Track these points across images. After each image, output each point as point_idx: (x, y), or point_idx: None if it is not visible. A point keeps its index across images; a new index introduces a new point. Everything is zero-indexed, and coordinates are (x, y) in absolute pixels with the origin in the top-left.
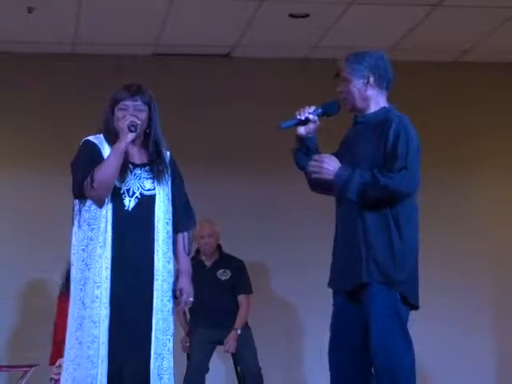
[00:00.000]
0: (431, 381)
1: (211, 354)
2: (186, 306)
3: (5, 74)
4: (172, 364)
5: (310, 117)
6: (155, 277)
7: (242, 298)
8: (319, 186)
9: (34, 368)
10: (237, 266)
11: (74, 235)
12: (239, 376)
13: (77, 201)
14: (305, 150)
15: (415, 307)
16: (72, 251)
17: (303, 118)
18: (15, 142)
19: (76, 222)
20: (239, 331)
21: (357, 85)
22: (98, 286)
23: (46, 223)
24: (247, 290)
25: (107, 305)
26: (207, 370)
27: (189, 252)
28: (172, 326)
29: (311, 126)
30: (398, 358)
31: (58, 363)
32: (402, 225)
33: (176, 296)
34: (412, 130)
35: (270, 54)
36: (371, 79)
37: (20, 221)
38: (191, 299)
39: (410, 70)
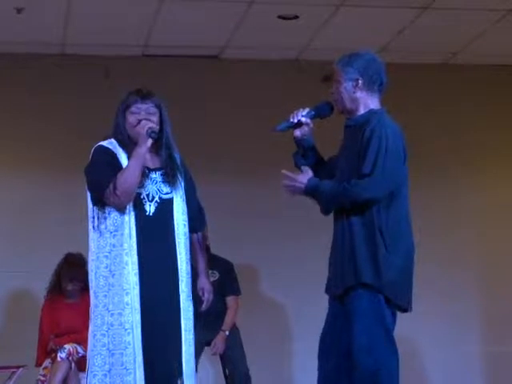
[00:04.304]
0: (421, 382)
1: (199, 355)
2: (208, 304)
3: None
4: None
5: (303, 119)
6: (180, 278)
7: (230, 300)
8: None
9: (21, 369)
10: (225, 267)
11: (92, 241)
12: (227, 377)
13: (94, 207)
14: (302, 151)
15: (404, 309)
16: (91, 257)
17: (296, 120)
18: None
19: (96, 229)
20: (227, 333)
21: (346, 87)
22: (127, 293)
23: (35, 226)
24: (236, 291)
25: (139, 310)
26: (195, 371)
27: (204, 252)
28: (193, 326)
29: (305, 128)
30: (381, 362)
31: (44, 365)
32: (387, 233)
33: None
34: (389, 130)
35: (259, 56)
36: (360, 82)
37: (9, 223)
38: (212, 297)
39: (399, 72)
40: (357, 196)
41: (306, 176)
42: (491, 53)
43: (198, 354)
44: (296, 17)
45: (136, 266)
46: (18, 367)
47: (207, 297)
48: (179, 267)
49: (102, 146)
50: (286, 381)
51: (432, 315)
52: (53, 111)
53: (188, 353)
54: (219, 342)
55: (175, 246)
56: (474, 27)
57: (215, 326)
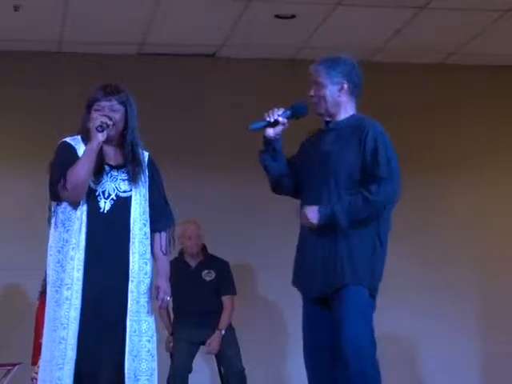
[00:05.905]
0: (419, 381)
1: (195, 355)
2: (164, 304)
3: None
4: (153, 365)
5: (280, 119)
6: (130, 278)
7: (226, 299)
8: (280, 187)
9: (17, 366)
10: (221, 267)
11: (50, 236)
12: (223, 376)
13: (53, 202)
14: (271, 151)
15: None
16: (49, 252)
17: (272, 119)
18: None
19: (52, 224)
20: (223, 332)
21: (331, 90)
22: (68, 288)
23: (31, 224)
24: (232, 290)
25: (78, 306)
26: (190, 370)
27: (166, 252)
28: (153, 327)
29: (280, 127)
30: (368, 355)
31: (39, 363)
32: (382, 233)
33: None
34: (386, 136)
35: (255, 55)
36: (345, 86)
37: (4, 222)
38: (168, 298)
39: (396, 72)
40: (382, 203)
41: (313, 209)
42: (489, 53)
43: (192, 353)
44: (293, 16)
45: (81, 263)
46: (14, 365)
47: (162, 296)
48: (130, 267)
49: (63, 142)
50: (282, 380)
51: (431, 314)
52: (51, 109)
53: (132, 355)
54: (214, 341)
55: (128, 245)
56: (471, 27)
57: (211, 325)
